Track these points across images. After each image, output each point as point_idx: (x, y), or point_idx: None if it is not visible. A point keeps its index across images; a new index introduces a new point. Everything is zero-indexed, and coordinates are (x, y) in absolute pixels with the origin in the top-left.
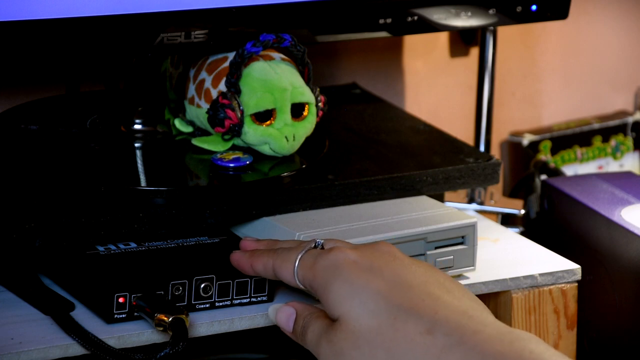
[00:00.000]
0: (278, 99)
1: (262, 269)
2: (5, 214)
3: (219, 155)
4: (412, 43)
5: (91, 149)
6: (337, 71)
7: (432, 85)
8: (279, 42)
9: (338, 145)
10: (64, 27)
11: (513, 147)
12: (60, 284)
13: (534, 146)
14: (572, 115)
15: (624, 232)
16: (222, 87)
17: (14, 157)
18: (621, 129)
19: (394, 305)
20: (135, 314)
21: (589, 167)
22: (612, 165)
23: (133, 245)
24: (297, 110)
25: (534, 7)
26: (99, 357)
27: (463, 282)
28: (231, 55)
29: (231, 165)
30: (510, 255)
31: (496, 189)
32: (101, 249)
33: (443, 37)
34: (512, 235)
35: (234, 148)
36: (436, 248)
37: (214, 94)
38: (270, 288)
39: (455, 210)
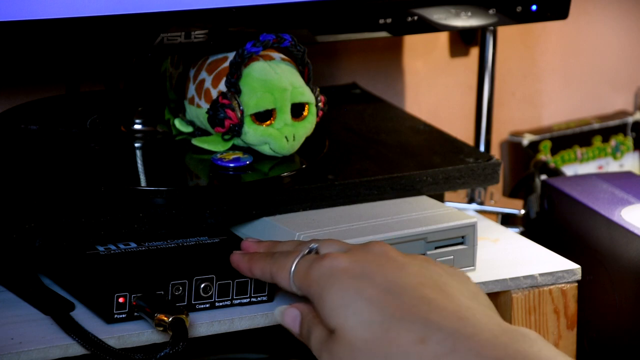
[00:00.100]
0: (278, 99)
1: (261, 274)
2: (5, 214)
3: (219, 155)
4: (412, 43)
5: (91, 149)
6: (337, 71)
7: (432, 85)
8: (279, 42)
9: (338, 145)
10: (64, 27)
11: (513, 147)
12: (60, 284)
13: (534, 146)
14: (572, 115)
15: (624, 232)
16: (222, 87)
17: (14, 157)
18: (621, 129)
19: (387, 315)
20: (135, 314)
21: (589, 167)
22: (612, 165)
23: (133, 245)
24: (297, 110)
25: (534, 7)
26: (99, 357)
27: None
28: (231, 55)
29: (231, 165)
30: (510, 255)
31: (496, 189)
32: (101, 249)
33: (443, 37)
34: (512, 235)
35: (234, 148)
36: (436, 248)
37: (214, 94)
38: (270, 288)
39: (455, 210)
